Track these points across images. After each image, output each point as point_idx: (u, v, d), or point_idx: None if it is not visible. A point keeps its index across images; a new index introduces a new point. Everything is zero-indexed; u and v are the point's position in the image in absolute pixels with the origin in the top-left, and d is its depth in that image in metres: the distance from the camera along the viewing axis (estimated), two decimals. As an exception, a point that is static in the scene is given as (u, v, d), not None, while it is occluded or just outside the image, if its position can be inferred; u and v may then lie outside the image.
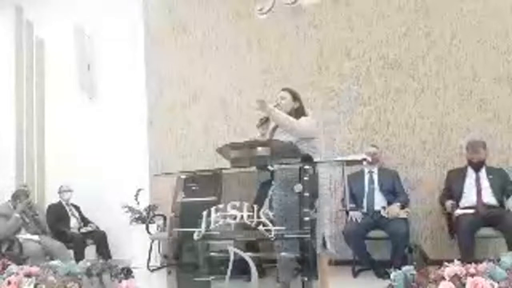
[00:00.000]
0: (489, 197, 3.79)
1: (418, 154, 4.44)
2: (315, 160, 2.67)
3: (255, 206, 2.31)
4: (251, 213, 2.30)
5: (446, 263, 1.77)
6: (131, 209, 4.96)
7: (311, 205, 2.33)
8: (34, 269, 2.12)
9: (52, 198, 5.27)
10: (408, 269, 1.84)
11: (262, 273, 2.31)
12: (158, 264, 4.80)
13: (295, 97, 2.91)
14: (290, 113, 2.82)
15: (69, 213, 5.05)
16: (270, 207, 2.36)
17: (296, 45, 4.85)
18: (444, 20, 4.47)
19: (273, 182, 2.49)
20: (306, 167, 2.37)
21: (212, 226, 2.36)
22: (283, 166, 2.46)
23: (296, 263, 2.29)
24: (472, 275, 1.69)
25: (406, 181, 4.32)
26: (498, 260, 1.79)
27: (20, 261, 2.85)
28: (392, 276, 1.85)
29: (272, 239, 2.26)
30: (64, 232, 4.76)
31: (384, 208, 3.98)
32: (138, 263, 4.43)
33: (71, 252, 4.53)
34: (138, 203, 4.98)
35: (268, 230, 2.26)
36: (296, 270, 2.30)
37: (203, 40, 5.25)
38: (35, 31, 5.89)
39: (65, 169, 5.37)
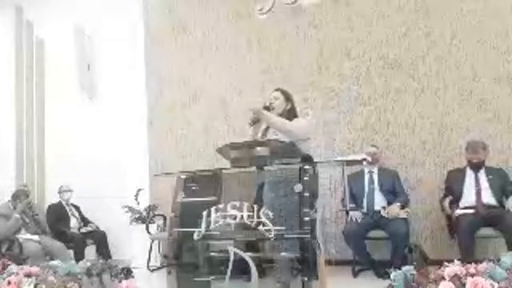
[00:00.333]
0: (488, 197, 3.79)
1: (418, 154, 4.44)
2: (315, 160, 2.67)
3: (255, 206, 2.31)
4: (251, 213, 2.30)
5: (446, 263, 1.77)
6: (131, 209, 4.97)
7: (311, 205, 2.33)
8: (34, 269, 2.12)
9: (52, 198, 5.27)
10: (408, 269, 1.84)
11: (262, 273, 2.31)
12: (158, 264, 4.80)
13: (287, 98, 2.92)
14: (282, 114, 2.84)
15: (69, 213, 5.05)
16: (269, 207, 2.36)
17: (296, 45, 4.85)
18: (444, 20, 4.47)
19: (264, 182, 2.49)
20: (306, 167, 2.37)
21: (212, 226, 2.36)
22: (283, 166, 2.46)
23: (296, 263, 2.29)
24: (472, 275, 1.69)
25: (406, 181, 4.32)
26: (498, 260, 1.79)
27: (20, 261, 2.85)
28: (392, 276, 1.85)
29: (272, 239, 2.26)
30: (64, 232, 4.76)
31: (384, 208, 3.98)
32: (138, 263, 4.44)
33: (71, 252, 4.53)
34: (138, 203, 4.99)
35: (268, 230, 2.26)
36: (296, 270, 2.30)
37: (203, 40, 5.25)
38: (35, 31, 5.90)
39: (65, 169, 5.37)
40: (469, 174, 3.92)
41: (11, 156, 5.62)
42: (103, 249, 4.83)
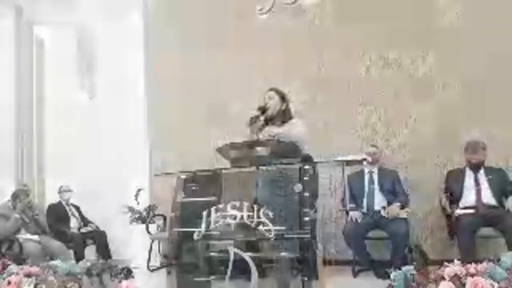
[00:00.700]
0: (488, 197, 3.79)
1: (418, 154, 4.44)
2: (315, 160, 2.67)
3: (255, 206, 2.31)
4: (251, 213, 2.31)
5: (446, 263, 1.78)
6: (131, 209, 4.96)
7: (311, 205, 2.33)
8: (34, 269, 2.12)
9: (52, 198, 5.27)
10: (408, 269, 1.84)
11: (262, 273, 2.31)
12: (158, 264, 4.80)
13: (282, 97, 2.92)
14: (278, 114, 2.84)
15: (69, 213, 5.05)
16: (268, 207, 2.36)
17: (296, 44, 4.85)
18: (444, 20, 4.47)
19: (264, 182, 2.49)
20: (306, 167, 2.37)
21: (212, 226, 2.37)
22: (283, 166, 2.46)
23: (296, 263, 2.29)
24: (472, 275, 1.69)
25: (406, 181, 4.32)
26: (498, 260, 1.79)
27: (20, 261, 2.85)
28: (392, 276, 1.85)
29: (272, 239, 2.26)
30: (64, 232, 4.76)
31: (384, 208, 3.98)
32: (138, 263, 4.43)
33: (71, 252, 4.52)
34: (138, 203, 4.99)
35: (268, 230, 2.26)
36: (296, 270, 2.31)
37: (203, 40, 5.24)
38: (35, 31, 5.89)
39: (65, 169, 5.37)
40: (469, 174, 3.92)
41: (11, 156, 5.61)
42: (103, 249, 4.82)
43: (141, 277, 2.56)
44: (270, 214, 2.30)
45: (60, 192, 5.13)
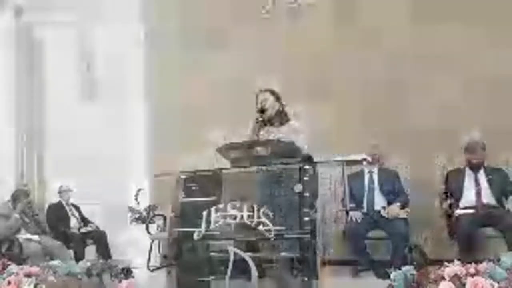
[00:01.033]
0: (488, 197, 3.79)
1: (418, 154, 4.44)
2: (315, 160, 2.67)
3: (255, 206, 2.31)
4: (251, 213, 2.31)
5: (446, 263, 1.78)
6: (131, 209, 4.97)
7: (311, 205, 2.33)
8: (34, 269, 2.12)
9: (52, 198, 5.27)
10: (408, 269, 1.84)
11: (262, 273, 2.31)
12: (158, 264, 4.80)
13: (278, 98, 2.93)
14: (275, 115, 2.85)
15: (69, 213, 5.04)
16: (269, 207, 2.36)
17: (296, 44, 4.85)
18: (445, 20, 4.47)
19: (265, 182, 2.49)
20: (306, 167, 2.37)
21: (212, 226, 2.37)
22: (283, 166, 2.46)
23: (296, 263, 2.29)
24: (472, 275, 1.69)
25: (406, 181, 4.31)
26: (498, 260, 1.79)
27: (20, 261, 2.85)
28: (392, 276, 1.85)
29: (272, 239, 2.27)
30: (64, 232, 4.76)
31: (384, 208, 3.98)
32: (138, 263, 4.43)
33: (71, 252, 4.52)
34: (138, 203, 4.99)
35: (268, 230, 2.26)
36: (296, 270, 2.31)
37: (203, 40, 5.24)
38: (35, 31, 5.89)
39: (65, 169, 5.37)
40: (469, 174, 3.92)
41: (11, 156, 5.61)
42: (103, 249, 4.82)
43: (141, 277, 2.56)
44: (270, 214, 2.30)
45: (60, 192, 5.12)
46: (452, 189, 3.95)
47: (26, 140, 5.76)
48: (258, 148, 2.54)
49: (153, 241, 4.79)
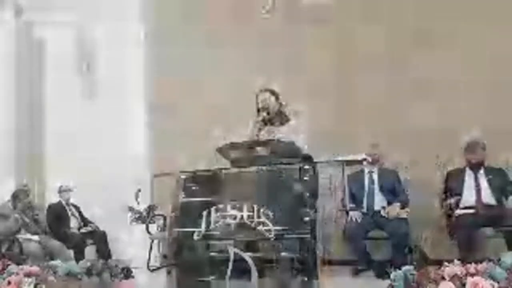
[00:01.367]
0: (488, 197, 3.79)
1: (418, 154, 4.43)
2: (315, 160, 2.67)
3: (255, 206, 2.31)
4: (251, 213, 2.31)
5: (446, 263, 1.78)
6: (131, 209, 4.97)
7: (311, 205, 2.34)
8: (34, 269, 2.12)
9: (52, 198, 5.27)
10: (408, 269, 1.84)
11: (262, 273, 2.31)
12: (158, 264, 4.80)
13: (277, 97, 2.93)
14: (276, 115, 2.85)
15: (69, 213, 5.04)
16: (269, 207, 2.36)
17: (296, 44, 4.85)
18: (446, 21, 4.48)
19: (265, 182, 2.49)
20: (306, 167, 2.37)
21: (212, 226, 2.37)
22: (283, 166, 2.46)
23: (296, 263, 2.29)
24: (472, 275, 1.69)
25: (406, 181, 4.31)
26: (498, 260, 1.79)
27: (20, 261, 2.85)
28: (392, 276, 1.85)
29: (272, 239, 2.27)
30: (64, 232, 4.76)
31: (384, 208, 3.98)
32: (138, 263, 4.43)
33: (71, 252, 4.52)
34: (138, 203, 4.99)
35: (268, 230, 2.26)
36: (296, 270, 2.31)
37: (203, 40, 5.24)
38: (35, 31, 5.89)
39: (65, 169, 5.36)
40: (469, 174, 3.92)
41: (11, 156, 5.61)
42: (103, 249, 4.82)
43: (141, 277, 2.56)
44: (270, 214, 2.30)
45: (60, 192, 5.12)
46: (452, 189, 3.95)
47: (26, 139, 5.76)
48: (258, 148, 2.54)
49: (153, 241, 4.79)
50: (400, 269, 1.85)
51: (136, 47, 5.48)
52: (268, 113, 2.94)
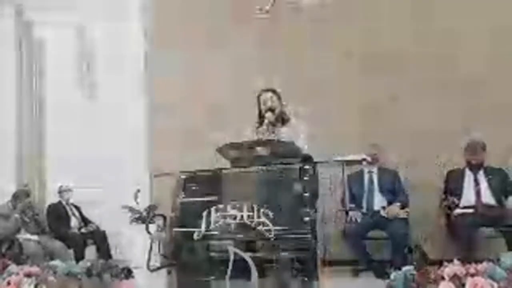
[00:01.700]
0: (488, 197, 3.80)
1: (418, 154, 4.44)
2: (315, 160, 2.67)
3: (255, 206, 2.31)
4: (251, 213, 2.31)
5: (446, 263, 1.78)
6: (131, 209, 4.96)
7: (311, 205, 2.34)
8: (34, 269, 2.12)
9: (52, 198, 5.27)
10: (408, 269, 1.84)
11: (262, 273, 2.31)
12: (158, 264, 4.79)
13: (279, 97, 2.94)
14: (278, 115, 2.85)
15: (69, 213, 5.04)
16: (269, 207, 2.36)
17: (296, 44, 4.85)
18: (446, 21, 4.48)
19: (265, 182, 2.49)
20: (306, 167, 2.37)
21: (212, 226, 2.37)
22: (283, 166, 2.46)
23: (296, 263, 2.29)
24: (472, 275, 1.69)
25: (406, 181, 4.31)
26: (498, 260, 1.79)
27: (20, 261, 2.85)
28: (392, 276, 1.85)
29: (272, 239, 2.27)
30: (64, 232, 4.76)
31: (384, 208, 3.98)
32: (138, 263, 4.42)
33: (71, 252, 4.52)
34: (137, 203, 4.98)
35: (268, 230, 2.26)
36: (296, 270, 2.31)
37: (203, 40, 5.24)
38: (35, 31, 5.89)
39: (65, 169, 5.36)
40: (469, 174, 3.92)
41: (11, 156, 5.61)
42: (103, 249, 4.82)
43: (141, 277, 2.56)
44: (270, 214, 2.30)
45: (60, 192, 5.12)
46: (452, 189, 3.95)
47: (26, 139, 5.76)
48: (258, 148, 2.54)
49: (153, 241, 4.79)
50: (400, 269, 1.85)
51: (136, 47, 5.47)
52: (272, 112, 2.94)
